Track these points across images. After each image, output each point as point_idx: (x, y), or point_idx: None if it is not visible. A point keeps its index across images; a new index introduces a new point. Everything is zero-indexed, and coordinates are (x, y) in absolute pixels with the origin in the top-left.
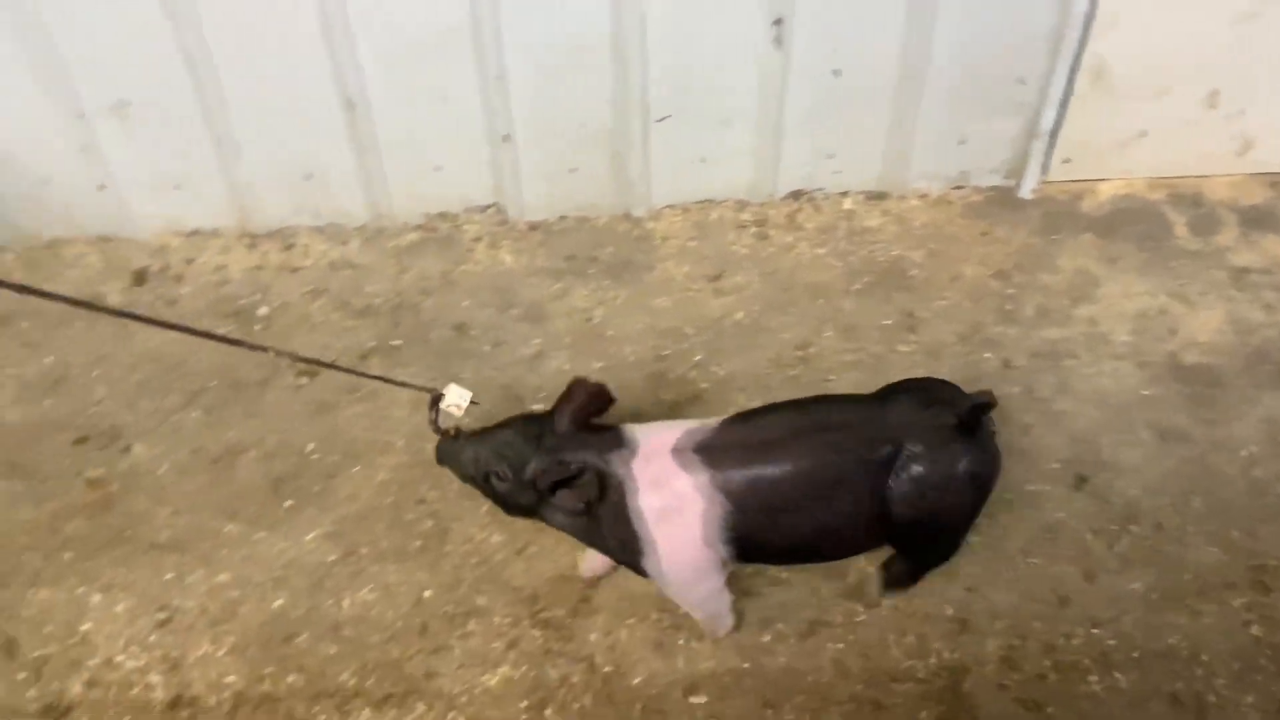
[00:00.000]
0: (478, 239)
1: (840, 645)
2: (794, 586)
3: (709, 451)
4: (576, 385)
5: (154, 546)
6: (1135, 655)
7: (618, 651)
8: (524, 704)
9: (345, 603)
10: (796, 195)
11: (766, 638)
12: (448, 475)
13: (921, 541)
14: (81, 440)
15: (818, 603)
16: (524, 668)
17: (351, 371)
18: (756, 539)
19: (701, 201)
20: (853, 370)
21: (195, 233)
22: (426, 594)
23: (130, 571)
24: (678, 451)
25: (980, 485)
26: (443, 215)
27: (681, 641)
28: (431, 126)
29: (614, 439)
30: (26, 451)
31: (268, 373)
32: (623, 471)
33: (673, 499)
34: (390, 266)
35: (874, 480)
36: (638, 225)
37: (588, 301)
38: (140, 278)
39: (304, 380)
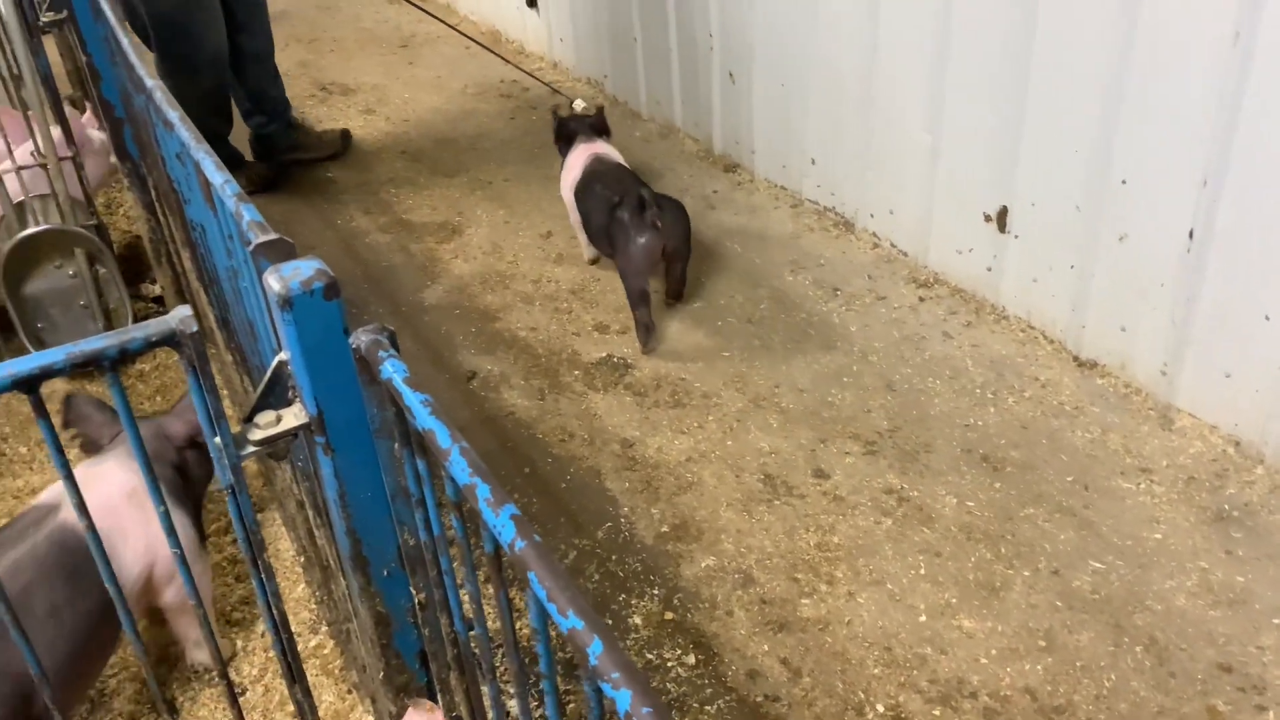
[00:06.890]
0: None
1: None
2: None
3: (602, 158)
4: (599, 109)
5: None
6: None
7: None
8: None
9: None
10: None
11: None
12: None
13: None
14: (1226, 668)
15: None
16: None
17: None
18: (577, 203)
19: None
20: None
21: None
22: None
23: None
24: (598, 148)
25: (622, 228)
26: None
27: None
28: None
29: (597, 136)
30: None
31: None
32: (578, 142)
33: (577, 161)
34: None
35: (610, 206)
36: None
37: None
38: None
39: None
